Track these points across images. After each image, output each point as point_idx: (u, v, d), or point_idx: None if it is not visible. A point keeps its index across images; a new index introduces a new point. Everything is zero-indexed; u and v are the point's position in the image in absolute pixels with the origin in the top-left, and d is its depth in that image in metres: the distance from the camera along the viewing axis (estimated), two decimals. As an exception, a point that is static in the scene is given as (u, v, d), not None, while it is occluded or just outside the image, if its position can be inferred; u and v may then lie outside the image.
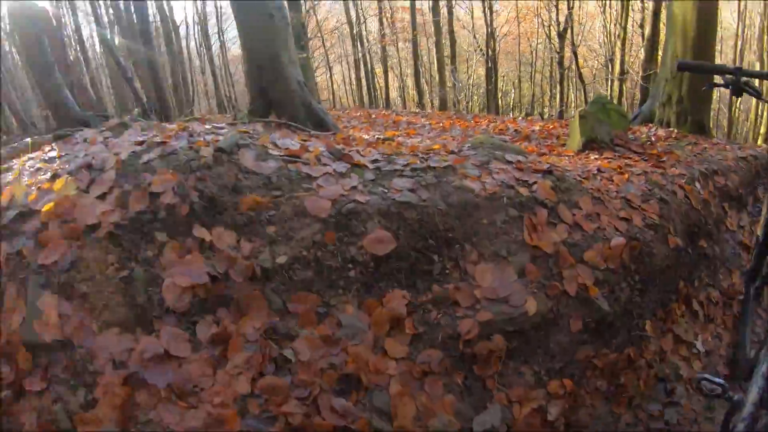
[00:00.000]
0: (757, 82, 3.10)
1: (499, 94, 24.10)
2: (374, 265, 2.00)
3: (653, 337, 2.54)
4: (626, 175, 2.93)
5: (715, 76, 2.09)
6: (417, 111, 11.81)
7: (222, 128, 2.78)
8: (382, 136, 4.15)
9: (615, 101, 16.34)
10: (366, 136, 4.24)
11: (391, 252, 1.99)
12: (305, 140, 2.78)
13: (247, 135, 2.48)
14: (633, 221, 2.56)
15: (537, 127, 5.56)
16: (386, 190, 2.16)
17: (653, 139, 4.69)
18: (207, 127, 2.83)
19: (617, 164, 3.16)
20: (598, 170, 2.95)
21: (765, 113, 16.52)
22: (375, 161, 2.41)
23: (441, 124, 6.22)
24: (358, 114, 8.57)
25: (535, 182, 2.42)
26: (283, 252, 1.99)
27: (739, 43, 19.77)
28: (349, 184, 2.19)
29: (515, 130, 5.34)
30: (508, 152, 2.70)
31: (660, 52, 9.79)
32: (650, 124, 5.25)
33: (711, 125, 5.39)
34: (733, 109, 19.14)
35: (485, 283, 2.01)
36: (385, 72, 23.58)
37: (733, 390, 1.49)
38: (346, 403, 1.79)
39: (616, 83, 15.56)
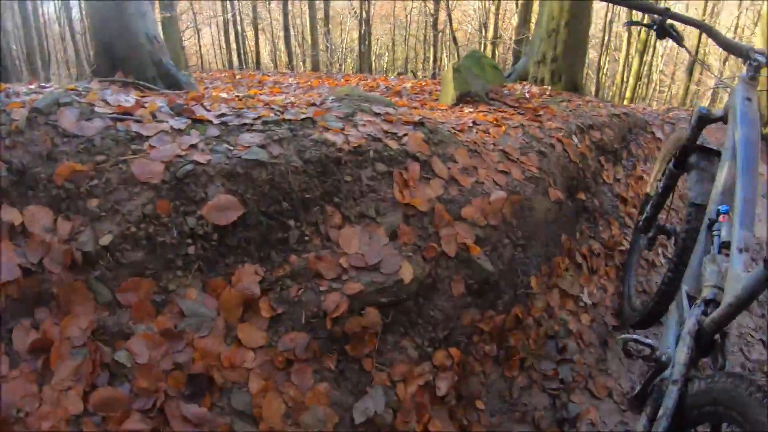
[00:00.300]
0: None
1: (373, 57, 24.05)
2: (218, 238, 1.65)
3: (539, 294, 2.41)
4: (503, 128, 2.77)
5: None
6: (286, 72, 11.26)
7: (47, 88, 2.29)
8: (242, 95, 3.76)
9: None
10: (225, 95, 3.85)
11: (237, 220, 1.66)
12: (143, 96, 2.35)
13: (74, 92, 2.02)
14: (512, 174, 2.39)
15: (409, 84, 5.37)
16: (232, 148, 1.80)
17: (528, 95, 4.65)
18: (32, 87, 2.33)
19: (493, 117, 3.00)
20: (474, 123, 2.76)
21: (630, 79, 17.68)
22: (221, 115, 2.04)
23: (309, 83, 5.88)
24: (223, 75, 7.98)
25: (405, 134, 2.17)
26: (107, 230, 1.60)
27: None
28: (187, 143, 1.81)
29: (386, 87, 5.11)
30: (376, 104, 2.42)
31: (533, 18, 10.04)
32: (524, 82, 5.23)
33: (584, 84, 5.48)
34: (600, 74, 20.44)
35: (351, 250, 1.72)
36: (256, 34, 22.61)
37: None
38: (200, 409, 1.48)
39: (489, 47, 15.92)
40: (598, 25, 22.36)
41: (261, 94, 4.54)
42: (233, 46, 22.64)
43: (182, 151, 1.75)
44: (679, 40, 1.91)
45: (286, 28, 19.67)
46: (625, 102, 17.48)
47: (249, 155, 1.74)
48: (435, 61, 19.15)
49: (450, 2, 15.87)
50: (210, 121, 1.96)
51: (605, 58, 21.82)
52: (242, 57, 22.10)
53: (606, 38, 21.21)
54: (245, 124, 1.95)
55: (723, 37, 1.92)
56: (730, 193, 1.60)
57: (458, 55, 14.95)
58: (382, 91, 4.76)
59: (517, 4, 12.67)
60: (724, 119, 1.90)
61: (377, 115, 2.29)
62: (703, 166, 2.13)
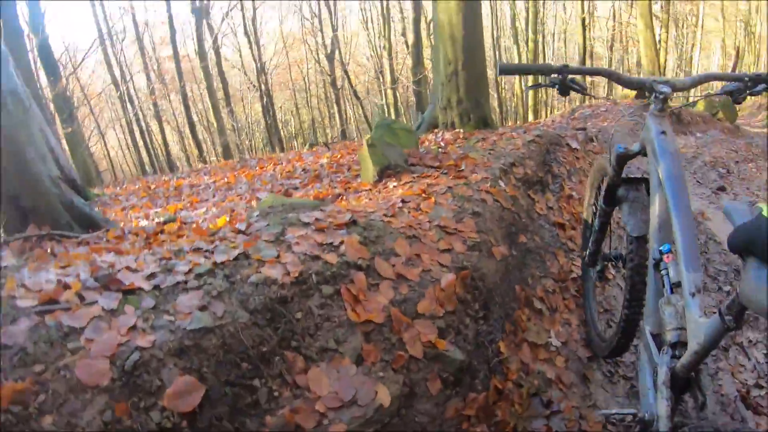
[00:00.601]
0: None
1: (280, 125, 24.22)
2: (188, 424, 1.55)
3: (511, 356, 2.41)
4: (432, 199, 2.79)
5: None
6: (200, 168, 11.04)
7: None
8: (162, 218, 3.65)
9: (391, 108, 17.27)
10: (145, 222, 3.71)
11: (202, 400, 1.56)
12: (65, 266, 2.22)
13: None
14: (455, 248, 2.41)
15: (325, 160, 5.36)
16: (173, 318, 1.72)
17: (443, 143, 4.76)
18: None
19: (419, 188, 3.03)
20: (402, 201, 2.77)
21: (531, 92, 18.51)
22: (152, 276, 1.94)
23: (225, 180, 5.79)
24: (137, 187, 7.74)
25: (341, 242, 2.14)
26: (68, 453, 1.47)
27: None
28: (125, 325, 1.70)
29: (303, 169, 5.09)
30: (303, 211, 2.39)
31: (425, 57, 10.36)
32: (436, 129, 5.35)
33: (493, 119, 5.63)
34: (500, 89, 21.31)
35: (324, 391, 1.66)
36: (161, 129, 22.37)
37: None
38: None
39: (390, 92, 16.36)
40: (488, 40, 23.48)
41: (180, 209, 4.44)
42: (140, 143, 22.26)
43: (122, 338, 1.65)
44: (583, 90, 1.94)
45: (191, 123, 19.46)
46: (530, 111, 18.29)
47: (193, 324, 1.66)
48: (341, 117, 19.44)
49: (344, 58, 16.25)
50: (142, 289, 1.86)
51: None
52: (152, 154, 21.73)
53: (497, 55, 22.23)
54: (178, 283, 1.86)
55: (625, 77, 1.96)
56: (667, 227, 1.63)
57: (362, 107, 15.30)
58: (300, 177, 4.73)
59: (407, 45, 13.09)
60: (643, 152, 1.96)
61: (307, 225, 2.26)
62: (633, 197, 2.15)
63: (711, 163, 8.29)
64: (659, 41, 17.22)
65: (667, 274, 1.61)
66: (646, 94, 1.85)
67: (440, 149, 4.13)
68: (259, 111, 25.13)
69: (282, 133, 27.14)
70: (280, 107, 29.62)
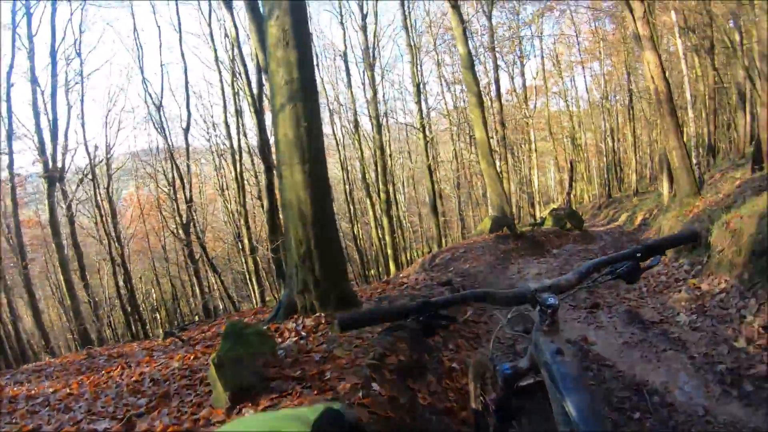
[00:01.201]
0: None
1: (141, 297, 22.67)
2: None
3: None
4: None
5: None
6: (44, 364, 9.27)
7: None
8: None
9: (252, 275, 16.64)
10: None
11: None
12: None
13: None
14: None
15: (177, 363, 4.71)
16: None
17: (304, 333, 4.37)
18: None
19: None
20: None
21: (386, 237, 19.05)
22: None
23: (68, 390, 4.86)
24: None
25: None
26: None
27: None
28: None
29: (151, 380, 4.39)
30: None
31: (281, 223, 10.17)
32: (295, 315, 4.95)
33: (354, 295, 5.31)
34: (358, 242, 21.85)
35: None
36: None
37: None
38: None
39: (250, 259, 15.95)
40: (341, 195, 24.36)
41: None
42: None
43: None
44: (453, 320, 1.60)
45: (36, 311, 17.34)
46: (390, 261, 18.68)
47: None
48: (201, 290, 18.52)
49: (199, 225, 15.81)
50: None
51: (357, 227, 23.50)
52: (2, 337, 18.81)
53: (352, 209, 23.02)
54: None
55: (500, 294, 1.61)
56: None
57: (220, 279, 14.60)
58: (147, 391, 4.04)
59: (263, 210, 12.99)
60: (536, 370, 1.63)
61: None
62: (530, 409, 1.82)
63: (576, 283, 8.63)
64: (500, 171, 18.84)
65: None
66: (530, 307, 1.56)
67: (301, 347, 3.74)
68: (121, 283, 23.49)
69: (143, 306, 25.26)
70: (140, 277, 27.77)
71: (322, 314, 4.71)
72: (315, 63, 10.73)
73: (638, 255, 1.63)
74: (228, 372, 2.97)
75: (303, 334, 4.38)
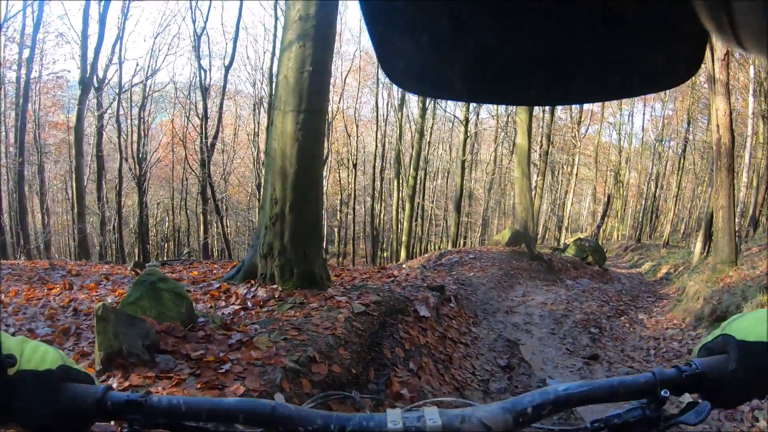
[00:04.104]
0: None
1: (154, 222, 22.43)
2: None
3: None
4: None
5: None
6: (7, 265, 8.87)
7: None
8: None
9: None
10: None
11: None
12: None
13: None
14: None
15: (110, 299, 4.19)
16: None
17: (249, 304, 3.78)
18: None
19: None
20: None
21: (405, 222, 18.41)
22: None
23: (3, 295, 4.41)
24: None
25: None
26: None
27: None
28: None
29: (74, 310, 3.85)
30: None
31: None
32: (252, 280, 4.35)
33: (324, 274, 4.67)
34: (376, 222, 21.22)
35: None
36: None
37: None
38: None
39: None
40: (370, 170, 23.70)
41: None
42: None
43: None
44: None
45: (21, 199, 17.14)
46: (403, 248, 18.03)
47: None
48: (206, 228, 18.11)
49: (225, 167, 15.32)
50: None
51: (380, 206, 22.93)
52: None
53: (378, 186, 22.42)
54: None
55: None
56: None
57: (221, 224, 13.90)
58: (58, 322, 3.50)
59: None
60: None
61: None
62: None
63: (583, 323, 7.89)
64: (535, 186, 17.94)
65: None
66: None
67: (228, 321, 3.13)
68: (131, 205, 23.29)
69: (153, 231, 25.13)
70: (158, 204, 27.67)
71: (280, 287, 4.10)
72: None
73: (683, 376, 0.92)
74: (110, 329, 2.39)
75: (249, 305, 3.78)
